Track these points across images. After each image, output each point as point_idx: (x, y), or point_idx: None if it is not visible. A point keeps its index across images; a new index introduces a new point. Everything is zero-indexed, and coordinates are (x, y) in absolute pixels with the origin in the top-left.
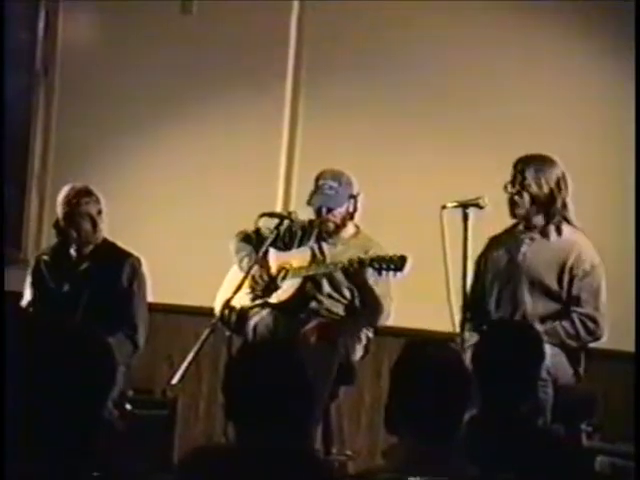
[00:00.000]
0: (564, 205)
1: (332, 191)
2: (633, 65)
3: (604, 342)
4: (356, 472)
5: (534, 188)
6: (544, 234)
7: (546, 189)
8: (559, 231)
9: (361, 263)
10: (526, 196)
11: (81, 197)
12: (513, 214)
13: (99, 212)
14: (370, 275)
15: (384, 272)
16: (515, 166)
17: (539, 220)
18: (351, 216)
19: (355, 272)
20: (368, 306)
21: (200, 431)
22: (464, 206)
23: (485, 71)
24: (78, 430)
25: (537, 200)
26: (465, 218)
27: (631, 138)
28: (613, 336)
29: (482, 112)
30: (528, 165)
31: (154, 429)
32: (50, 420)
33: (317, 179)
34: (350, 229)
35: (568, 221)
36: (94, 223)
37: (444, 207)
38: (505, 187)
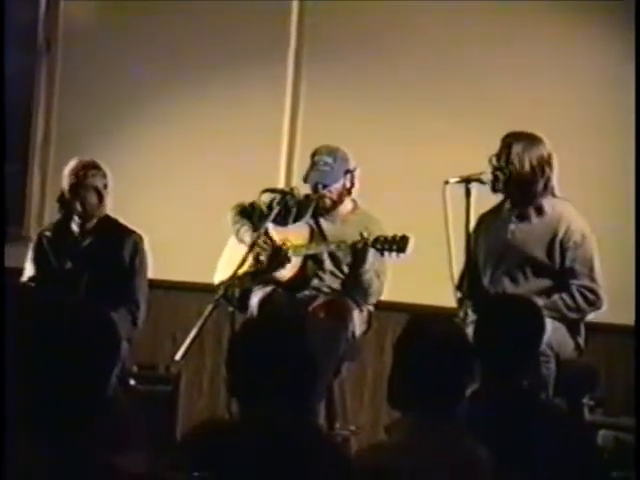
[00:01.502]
0: (548, 184)
1: (327, 167)
2: (633, 67)
3: (604, 316)
4: (359, 447)
5: (517, 165)
6: (528, 212)
7: (528, 167)
8: (540, 210)
9: (364, 244)
10: (507, 172)
11: (88, 169)
12: (493, 188)
13: (105, 186)
14: (372, 255)
15: (386, 253)
16: (503, 140)
17: (521, 198)
18: (348, 192)
19: (358, 251)
20: (362, 281)
21: (203, 406)
22: (467, 181)
23: (487, 46)
24: (82, 406)
25: (518, 177)
26: (468, 193)
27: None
28: (613, 310)
29: (484, 88)
30: (515, 141)
31: (158, 404)
32: (53, 396)
33: (312, 155)
34: (348, 205)
35: (554, 196)
36: (100, 196)
37: (447, 182)
38: (490, 160)
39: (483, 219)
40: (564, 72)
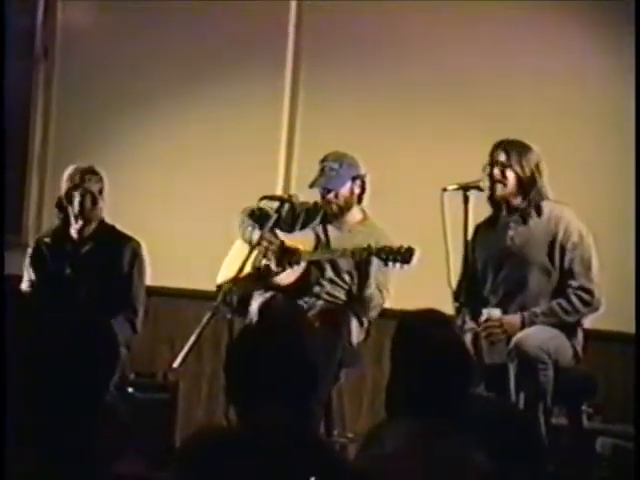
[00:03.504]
0: (543, 187)
1: (332, 172)
2: (633, 68)
3: (602, 323)
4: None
5: (517, 169)
6: (527, 216)
7: (528, 171)
8: (539, 211)
9: (368, 253)
10: (510, 176)
11: (84, 174)
12: (493, 195)
13: (100, 190)
14: (375, 264)
15: (390, 263)
16: (497, 147)
17: (520, 202)
18: (358, 199)
19: (360, 260)
20: (364, 297)
21: (202, 414)
22: (465, 189)
23: (488, 58)
24: (81, 413)
25: (520, 181)
26: (466, 201)
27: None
28: (611, 317)
29: (483, 95)
30: (511, 148)
31: (156, 412)
32: (53, 404)
33: (321, 162)
34: (357, 214)
35: (548, 199)
36: (95, 200)
37: (445, 190)
38: (484, 168)
39: (479, 228)
40: (564, 78)
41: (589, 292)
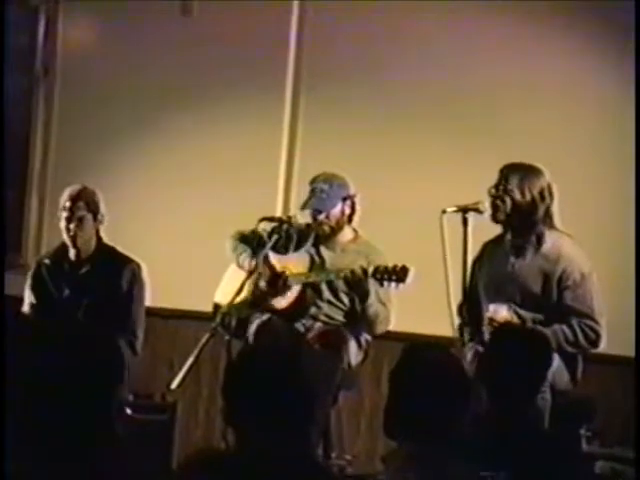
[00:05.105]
0: (547, 214)
1: (323, 194)
2: (633, 69)
3: (600, 347)
4: (355, 476)
5: (517, 195)
6: (528, 244)
7: (528, 197)
8: (540, 241)
9: (364, 274)
10: (508, 202)
11: (72, 199)
12: (494, 218)
13: (94, 212)
14: (372, 285)
15: (386, 283)
16: (501, 171)
17: (522, 228)
18: (349, 219)
19: (357, 281)
20: (369, 314)
21: (200, 435)
22: (464, 211)
23: (486, 74)
24: (85, 432)
25: (519, 207)
26: (465, 223)
27: (631, 142)
28: (609, 341)
29: (483, 117)
30: (513, 172)
31: (154, 433)
32: (56, 422)
33: (310, 183)
34: (348, 233)
35: (554, 228)
36: (79, 225)
37: (444, 212)
38: (489, 191)
39: (486, 247)
40: (564, 101)
41: (594, 330)
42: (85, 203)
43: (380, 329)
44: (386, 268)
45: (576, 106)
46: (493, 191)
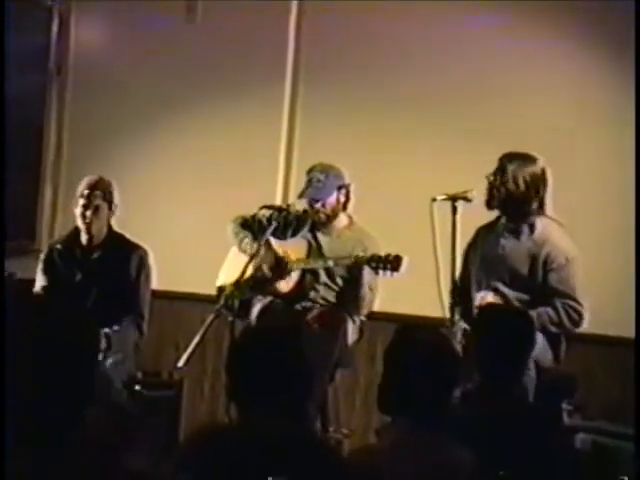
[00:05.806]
0: (541, 202)
1: (319, 183)
2: (633, 69)
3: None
4: (351, 449)
5: (511, 184)
6: (519, 229)
7: (522, 187)
8: (532, 228)
9: (360, 262)
10: (502, 190)
11: (90, 188)
12: (488, 205)
13: (110, 202)
14: (367, 273)
15: (380, 271)
16: (500, 160)
17: (515, 215)
18: (344, 207)
19: (353, 267)
20: (358, 297)
21: (204, 410)
22: (453, 199)
23: (481, 68)
24: (71, 404)
25: (512, 196)
26: (454, 211)
27: (631, 142)
28: (591, 320)
29: (476, 109)
30: (510, 161)
31: (162, 408)
32: (44, 400)
33: (307, 173)
34: (343, 220)
35: (544, 215)
36: (96, 213)
37: (434, 200)
38: (487, 177)
39: (480, 232)
40: (560, 93)
41: (577, 312)
42: (102, 192)
43: (365, 312)
44: (380, 257)
45: (576, 106)
46: (491, 178)
